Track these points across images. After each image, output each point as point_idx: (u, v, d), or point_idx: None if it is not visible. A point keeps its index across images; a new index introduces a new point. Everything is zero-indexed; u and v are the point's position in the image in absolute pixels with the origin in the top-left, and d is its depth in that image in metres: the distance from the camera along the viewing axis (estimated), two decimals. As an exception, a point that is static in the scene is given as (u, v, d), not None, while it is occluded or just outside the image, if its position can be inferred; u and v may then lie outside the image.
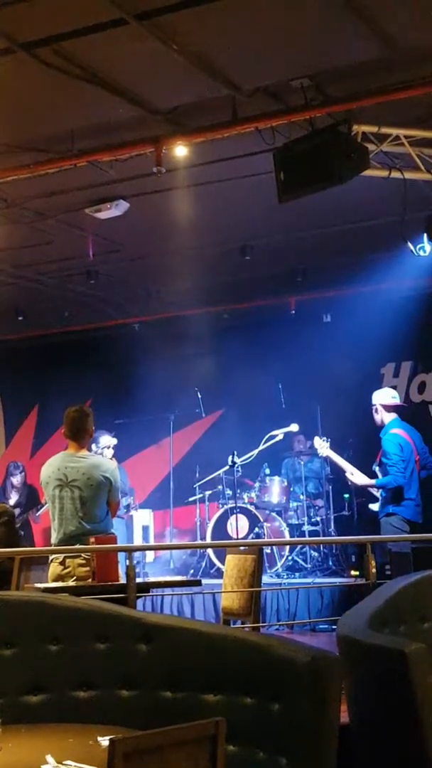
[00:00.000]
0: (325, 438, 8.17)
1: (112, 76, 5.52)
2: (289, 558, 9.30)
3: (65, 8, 4.78)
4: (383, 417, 7.42)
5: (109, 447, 8.75)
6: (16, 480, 11.16)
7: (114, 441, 9.04)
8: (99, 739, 2.54)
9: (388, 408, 7.44)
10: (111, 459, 5.82)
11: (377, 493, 7.56)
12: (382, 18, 4.98)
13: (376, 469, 7.51)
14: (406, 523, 7.16)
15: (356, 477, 7.59)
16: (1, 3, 4.67)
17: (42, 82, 5.52)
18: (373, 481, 7.44)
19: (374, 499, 7.73)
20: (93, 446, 8.45)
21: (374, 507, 7.69)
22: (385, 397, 7.51)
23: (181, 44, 5.15)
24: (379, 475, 7.41)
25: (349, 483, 7.95)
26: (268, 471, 9.87)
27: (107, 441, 8.89)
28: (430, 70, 5.50)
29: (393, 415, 7.41)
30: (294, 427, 9.76)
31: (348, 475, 7.69)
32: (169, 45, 5.12)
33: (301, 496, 9.72)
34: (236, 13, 4.88)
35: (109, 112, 5.94)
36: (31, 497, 10.90)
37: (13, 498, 11.05)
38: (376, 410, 7.47)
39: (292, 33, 5.14)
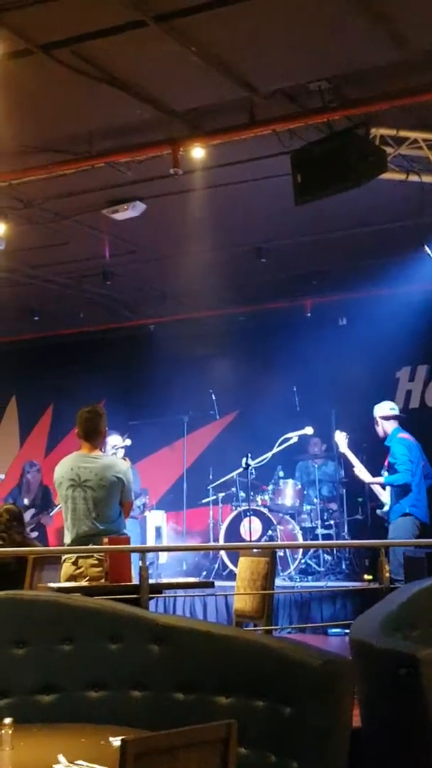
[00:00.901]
0: (345, 434, 8.25)
1: (131, 78, 5.53)
2: (303, 561, 9.28)
3: (84, 10, 4.80)
4: (384, 427, 7.75)
5: (116, 447, 8.74)
6: (33, 478, 11.18)
7: (124, 442, 9.05)
8: (111, 739, 2.54)
9: (388, 418, 7.75)
10: (124, 459, 5.81)
11: (384, 496, 7.63)
12: (400, 21, 4.97)
13: (385, 474, 7.61)
14: (420, 526, 7.23)
15: (364, 474, 7.77)
16: (21, 5, 4.69)
17: (60, 84, 5.55)
18: (381, 479, 7.65)
19: (381, 505, 7.80)
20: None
21: (381, 512, 7.77)
22: (384, 409, 7.85)
23: (200, 46, 5.15)
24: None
25: (356, 478, 8.06)
26: (281, 474, 9.86)
27: (116, 441, 8.87)
28: (448, 74, 5.49)
29: (395, 424, 7.73)
30: (309, 430, 9.75)
31: (356, 471, 7.85)
32: (188, 47, 5.13)
33: (315, 500, 9.70)
34: (255, 15, 4.88)
35: (127, 114, 5.95)
36: (47, 497, 10.92)
37: (29, 497, 11.07)
38: (377, 423, 7.80)
39: (310, 35, 5.13)
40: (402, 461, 7.36)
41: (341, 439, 8.27)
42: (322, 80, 5.56)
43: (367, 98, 5.75)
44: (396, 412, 7.90)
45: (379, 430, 7.78)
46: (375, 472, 7.92)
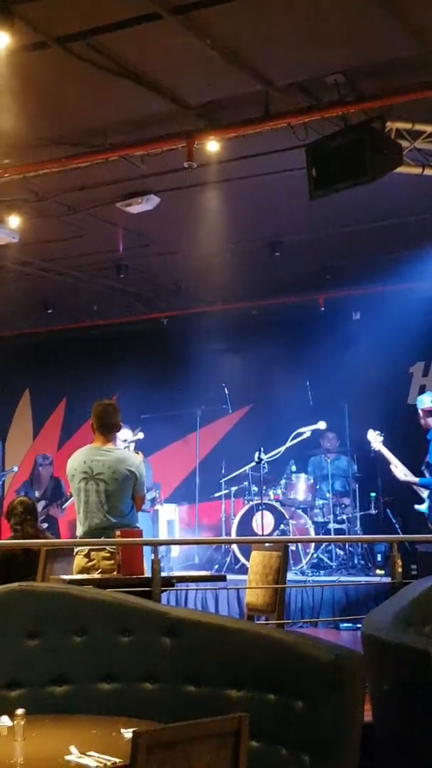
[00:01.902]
0: (378, 432, 8.17)
1: (146, 71, 5.52)
2: (315, 555, 9.28)
3: (99, 2, 4.79)
4: (427, 421, 7.56)
5: (127, 441, 8.73)
6: (45, 471, 11.22)
7: (136, 435, 9.05)
8: (122, 731, 2.55)
9: (430, 412, 7.55)
10: (137, 453, 5.82)
11: (423, 493, 7.56)
12: (416, 14, 4.95)
13: (425, 471, 7.53)
14: None
15: (399, 471, 7.67)
16: (36, -3, 4.69)
17: (75, 77, 5.55)
18: (416, 479, 7.51)
19: (419, 500, 7.73)
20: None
21: (420, 508, 7.69)
22: (426, 401, 7.66)
23: (215, 39, 5.14)
24: (426, 474, 7.45)
25: (393, 474, 7.96)
26: (294, 468, 9.85)
27: (126, 435, 8.86)
28: (465, 67, 5.45)
29: None
30: (321, 425, 9.73)
31: (392, 467, 7.74)
32: (203, 40, 5.12)
33: (328, 494, 9.69)
34: (270, 8, 4.87)
35: (142, 107, 5.95)
36: (58, 490, 10.96)
37: (40, 490, 11.12)
38: (421, 415, 7.61)
39: (326, 29, 5.11)
40: None
41: (374, 437, 8.17)
42: (337, 73, 5.54)
43: (382, 92, 5.72)
44: None
45: (423, 422, 7.63)
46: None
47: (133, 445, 8.65)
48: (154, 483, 10.39)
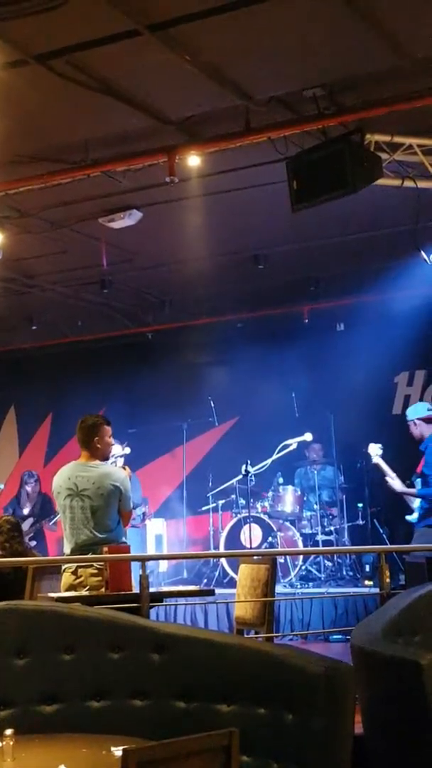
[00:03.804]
0: (380, 446, 8.10)
1: (126, 87, 5.54)
2: (303, 567, 9.27)
3: (79, 20, 4.81)
4: (422, 430, 7.48)
5: (115, 456, 8.69)
6: (31, 489, 11.18)
7: (123, 450, 9.01)
8: (112, 749, 2.53)
9: (427, 420, 7.49)
10: (124, 468, 5.80)
11: (414, 503, 7.53)
12: (394, 27, 4.99)
13: (418, 481, 7.49)
14: None
15: (396, 483, 7.60)
16: (15, 15, 4.70)
17: (56, 93, 5.56)
18: (413, 490, 7.45)
19: (409, 511, 7.72)
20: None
21: (411, 518, 7.67)
22: (420, 410, 7.60)
23: (194, 55, 5.17)
24: (419, 485, 7.42)
25: (389, 486, 7.91)
26: (281, 480, 9.86)
27: (114, 450, 8.81)
28: (442, 79, 5.50)
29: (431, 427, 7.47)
30: (308, 437, 9.75)
31: (388, 479, 7.68)
32: (182, 56, 5.14)
33: (315, 506, 9.70)
34: (249, 23, 4.90)
35: (123, 123, 5.97)
36: (45, 506, 10.91)
37: (28, 507, 11.07)
38: (415, 424, 7.53)
39: (304, 43, 5.15)
40: None
41: (375, 449, 8.11)
42: (316, 87, 5.58)
43: (361, 105, 5.77)
44: None
45: (416, 432, 7.51)
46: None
47: (121, 460, 8.62)
48: (143, 498, 10.37)
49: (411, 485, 7.53)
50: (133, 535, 9.24)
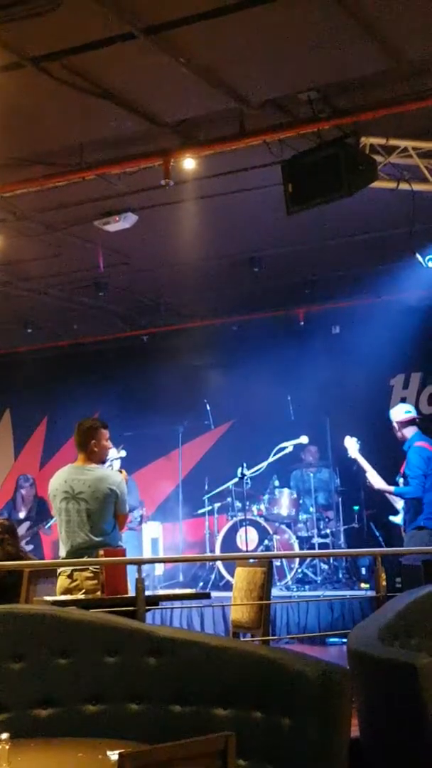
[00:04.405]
0: (356, 439, 8.10)
1: (121, 90, 5.54)
2: (299, 570, 9.26)
3: (74, 23, 4.81)
4: (403, 432, 7.50)
5: (111, 459, 8.67)
6: (26, 492, 11.16)
7: (119, 453, 8.98)
8: (108, 753, 2.53)
9: (404, 423, 7.49)
10: (120, 471, 5.79)
11: (398, 504, 7.56)
12: (388, 30, 5.00)
13: (400, 480, 7.52)
14: None
15: (374, 479, 7.60)
16: (10, 18, 4.70)
17: (51, 97, 5.56)
18: (391, 488, 7.48)
19: (394, 511, 7.73)
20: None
21: (395, 519, 7.69)
22: (398, 413, 7.61)
23: (189, 58, 5.17)
24: (401, 485, 7.45)
25: (367, 484, 7.93)
26: (277, 483, 9.85)
27: (110, 454, 8.79)
28: (437, 82, 5.51)
29: (413, 429, 7.48)
30: (304, 439, 9.75)
31: (368, 476, 7.70)
32: (177, 59, 5.15)
33: (311, 508, 9.69)
34: (243, 27, 4.90)
35: (118, 126, 5.96)
36: (41, 510, 10.90)
37: (24, 511, 11.05)
38: (395, 428, 7.57)
39: (299, 46, 5.16)
40: (415, 474, 7.17)
41: (351, 444, 8.11)
42: (311, 90, 5.59)
43: (356, 107, 5.78)
44: (412, 414, 7.65)
45: (399, 434, 7.55)
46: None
47: (118, 463, 8.60)
48: (140, 501, 10.35)
49: (396, 485, 7.55)
50: (130, 538, 9.23)
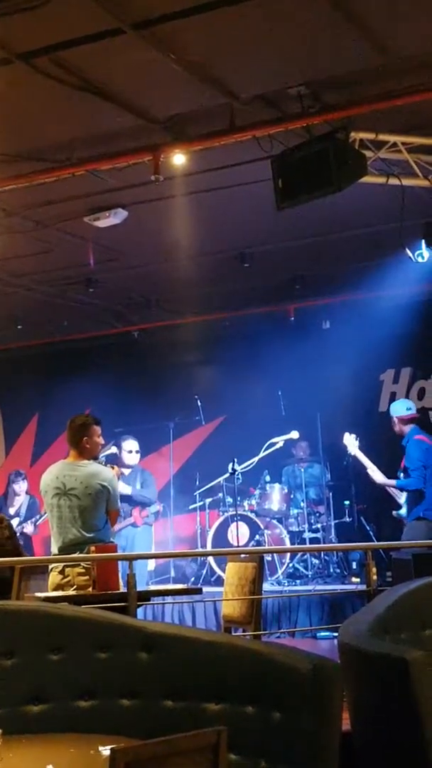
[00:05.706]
0: (355, 436, 8.18)
1: (110, 86, 5.53)
2: (290, 565, 9.28)
3: (63, 18, 4.79)
4: (402, 428, 7.71)
5: (103, 456, 8.67)
6: (19, 488, 11.14)
7: (110, 449, 8.99)
8: (100, 748, 2.53)
9: (404, 420, 7.68)
10: (112, 467, 5.79)
11: (401, 498, 7.63)
12: (377, 25, 5.00)
13: (401, 475, 7.62)
14: None
15: (376, 475, 7.75)
16: (-1, 13, 4.69)
17: (40, 92, 5.54)
18: (393, 482, 7.62)
19: (396, 506, 7.79)
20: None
21: (399, 513, 7.75)
22: (401, 409, 7.79)
23: (179, 53, 5.16)
24: (402, 478, 7.56)
25: (370, 480, 8.01)
26: (268, 478, 9.87)
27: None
28: (426, 77, 5.51)
29: (412, 424, 7.70)
30: (294, 435, 9.76)
31: (369, 471, 7.82)
32: (166, 54, 5.13)
33: (302, 503, 9.71)
34: (233, 22, 4.89)
35: (108, 121, 5.95)
36: (32, 506, 10.88)
37: (15, 507, 11.03)
38: (394, 423, 7.76)
39: (288, 41, 5.15)
40: (415, 466, 7.36)
41: (351, 441, 8.19)
42: (301, 85, 5.58)
43: (346, 103, 5.78)
44: (413, 412, 7.82)
45: (397, 429, 7.77)
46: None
47: (117, 454, 8.56)
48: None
49: (397, 479, 7.65)
50: (144, 534, 9.13)
